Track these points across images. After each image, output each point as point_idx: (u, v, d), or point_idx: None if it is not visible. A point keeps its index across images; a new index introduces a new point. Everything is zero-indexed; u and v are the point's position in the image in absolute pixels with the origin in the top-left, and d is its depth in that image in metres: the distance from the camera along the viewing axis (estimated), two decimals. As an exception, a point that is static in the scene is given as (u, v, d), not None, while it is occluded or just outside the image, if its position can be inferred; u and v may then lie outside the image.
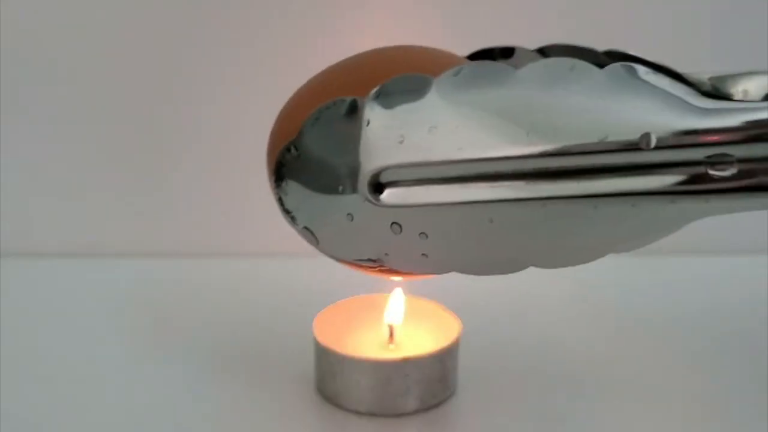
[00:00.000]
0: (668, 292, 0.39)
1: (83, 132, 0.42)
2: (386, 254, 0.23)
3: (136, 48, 0.40)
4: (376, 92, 0.22)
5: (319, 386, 0.30)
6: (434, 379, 0.29)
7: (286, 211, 0.24)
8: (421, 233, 0.23)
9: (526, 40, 0.27)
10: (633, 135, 0.21)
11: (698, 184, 0.21)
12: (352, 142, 0.22)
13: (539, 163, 0.21)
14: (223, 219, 0.43)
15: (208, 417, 0.29)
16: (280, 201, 0.24)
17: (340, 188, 0.23)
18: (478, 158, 0.22)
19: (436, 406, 0.29)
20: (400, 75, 0.22)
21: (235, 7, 0.40)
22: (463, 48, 0.26)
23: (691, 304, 0.38)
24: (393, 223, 0.23)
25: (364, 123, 0.22)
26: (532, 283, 0.38)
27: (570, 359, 0.33)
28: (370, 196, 0.23)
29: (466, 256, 0.23)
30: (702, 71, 0.22)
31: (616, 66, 0.21)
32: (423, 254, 0.23)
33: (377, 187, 0.23)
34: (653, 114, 0.21)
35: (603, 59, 0.24)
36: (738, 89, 0.21)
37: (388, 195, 0.23)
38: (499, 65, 0.21)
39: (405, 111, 0.22)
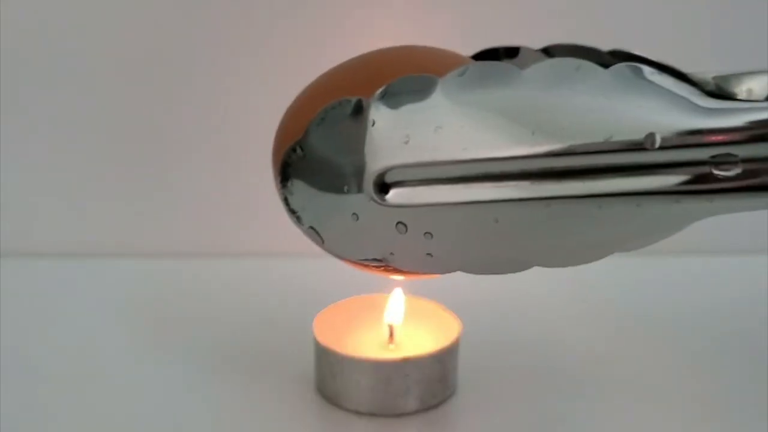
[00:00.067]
0: (668, 292, 0.39)
1: (83, 132, 0.42)
2: (391, 254, 0.23)
3: (137, 47, 0.40)
4: (381, 92, 0.22)
5: (319, 386, 0.30)
6: (434, 379, 0.29)
7: (292, 211, 0.24)
8: (426, 233, 0.23)
9: (531, 40, 0.27)
10: (638, 135, 0.21)
11: (703, 184, 0.21)
12: (357, 142, 0.22)
13: (544, 163, 0.21)
14: (223, 219, 0.43)
15: (208, 417, 0.29)
16: (286, 201, 0.24)
17: (346, 188, 0.23)
18: (484, 158, 0.22)
19: (436, 406, 0.29)
20: (406, 75, 0.22)
21: (238, 7, 0.40)
22: (468, 48, 0.26)
23: (691, 304, 0.38)
24: (398, 222, 0.23)
25: (370, 123, 0.22)
26: (533, 283, 0.38)
27: (570, 359, 0.33)
28: (375, 196, 0.23)
29: (471, 255, 0.23)
30: (706, 71, 0.22)
31: (621, 66, 0.21)
32: (428, 254, 0.23)
33: (382, 186, 0.23)
34: (658, 114, 0.21)
35: (607, 59, 0.24)
36: (742, 89, 0.21)
37: (393, 195, 0.23)
38: (504, 65, 0.21)
39: (410, 111, 0.22)
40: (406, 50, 0.25)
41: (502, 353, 0.33)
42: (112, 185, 0.43)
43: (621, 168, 0.21)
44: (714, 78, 0.21)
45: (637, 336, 0.35)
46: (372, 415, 0.29)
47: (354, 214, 0.23)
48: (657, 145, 0.21)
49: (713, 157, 0.21)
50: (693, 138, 0.21)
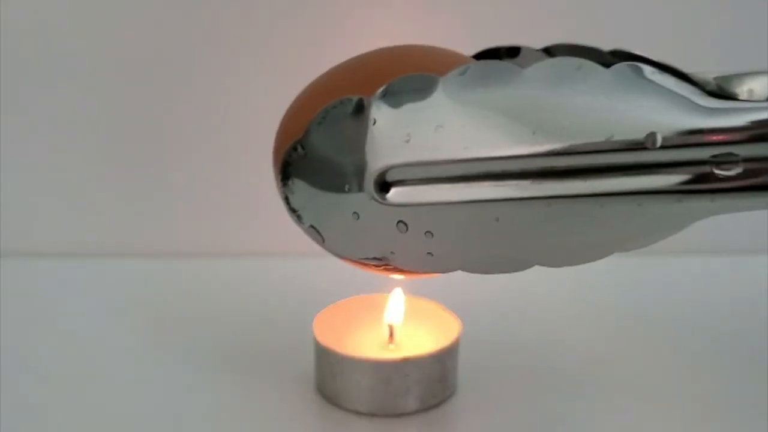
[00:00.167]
0: (668, 292, 0.39)
1: (83, 132, 0.42)
2: (392, 253, 0.23)
3: (137, 47, 0.40)
4: (382, 91, 0.22)
5: (319, 386, 0.30)
6: (434, 379, 0.29)
7: (293, 210, 0.24)
8: (426, 232, 0.23)
9: (531, 40, 0.27)
10: (639, 134, 0.21)
11: (704, 184, 0.21)
12: (358, 141, 0.22)
13: (545, 162, 0.21)
14: (223, 219, 0.43)
15: (208, 417, 0.29)
16: (287, 200, 0.24)
17: (347, 187, 0.23)
18: (485, 157, 0.22)
19: (436, 406, 0.29)
20: (407, 74, 0.22)
21: (238, 7, 0.40)
22: (468, 48, 0.26)
23: (691, 304, 0.38)
24: (399, 221, 0.23)
25: (371, 122, 0.22)
26: (533, 283, 0.38)
27: (570, 359, 0.33)
28: (376, 195, 0.23)
29: (471, 255, 0.23)
30: (707, 71, 0.22)
31: (622, 66, 0.21)
32: (429, 253, 0.23)
33: (383, 185, 0.23)
34: (659, 113, 0.21)
35: (608, 59, 0.24)
36: (743, 89, 0.21)
37: (394, 194, 0.23)
38: (506, 64, 0.21)
39: (411, 110, 0.22)
40: (406, 50, 0.25)
41: (502, 353, 0.33)
42: (112, 185, 0.43)
43: (622, 167, 0.21)
44: (715, 78, 0.21)
45: (637, 336, 0.35)
46: (372, 415, 0.29)
47: (355, 213, 0.23)
48: (658, 144, 0.21)
49: (714, 156, 0.21)
50: (694, 137, 0.21)
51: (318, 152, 0.23)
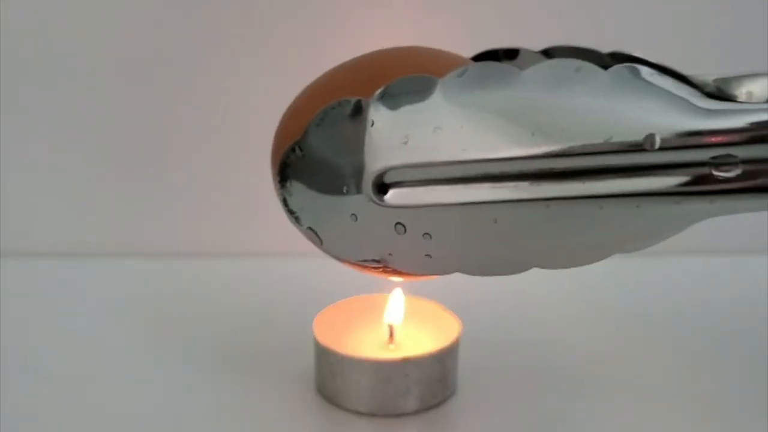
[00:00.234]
0: (668, 292, 0.39)
1: (83, 132, 0.42)
2: (390, 255, 0.23)
3: (137, 47, 0.40)
4: (380, 93, 0.22)
5: (319, 386, 0.30)
6: (434, 379, 0.29)
7: (290, 212, 0.24)
8: (425, 234, 0.23)
9: (531, 41, 0.27)
10: (637, 136, 0.21)
11: (703, 185, 0.21)
12: (356, 142, 0.22)
13: (544, 164, 0.21)
14: (223, 219, 0.43)
15: (208, 417, 0.29)
16: (285, 201, 0.24)
17: (345, 188, 0.23)
18: (483, 159, 0.22)
19: (436, 406, 0.29)
20: (405, 76, 0.22)
21: (238, 7, 0.40)
22: (468, 49, 0.26)
23: (691, 304, 0.38)
24: (397, 223, 0.23)
25: (369, 123, 0.22)
26: (532, 283, 0.38)
27: (570, 359, 0.33)
28: (374, 197, 0.23)
29: (470, 256, 0.23)
30: (706, 73, 0.22)
31: (620, 67, 0.21)
32: (427, 255, 0.23)
33: (381, 187, 0.23)
34: (657, 115, 0.21)
35: (607, 61, 0.24)
36: (742, 91, 0.21)
37: (392, 195, 0.23)
38: (504, 66, 0.21)
39: (410, 112, 0.22)
40: (405, 51, 0.25)
41: (502, 353, 0.33)
42: (112, 185, 0.43)
43: (621, 169, 0.21)
44: (714, 80, 0.21)
45: (637, 336, 0.35)
46: (372, 415, 0.29)
47: (353, 214, 0.23)
48: (657, 146, 0.21)
49: (713, 158, 0.21)
50: (693, 139, 0.21)
51: (316, 153, 0.23)
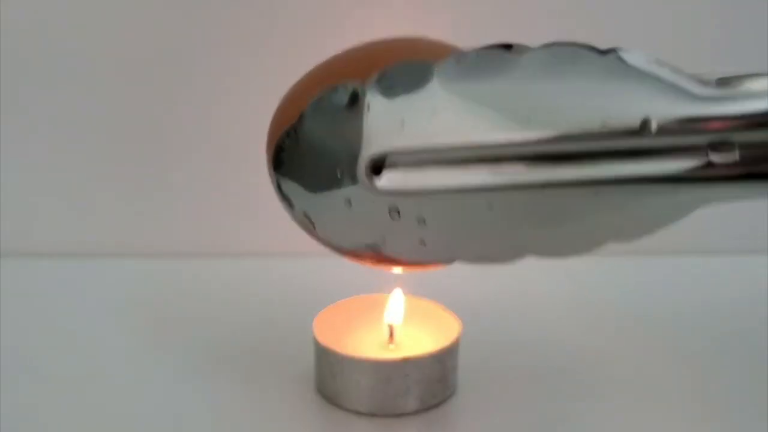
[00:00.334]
0: (668, 292, 0.39)
1: (83, 132, 0.42)
2: (384, 241, 0.23)
3: (137, 47, 0.40)
4: (377, 77, 0.22)
5: (319, 386, 0.30)
6: (434, 379, 0.29)
7: (284, 197, 0.24)
8: (419, 220, 0.23)
9: (531, 40, 0.26)
10: (634, 120, 0.21)
11: (700, 170, 0.21)
12: (352, 127, 0.22)
13: (540, 148, 0.21)
14: (224, 219, 0.43)
15: (208, 417, 0.29)
16: (279, 187, 0.24)
17: (339, 174, 0.23)
18: (479, 143, 0.22)
19: (436, 406, 0.29)
20: (402, 61, 0.22)
21: (238, 7, 0.40)
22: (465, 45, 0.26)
23: (691, 304, 0.38)
24: (391, 209, 0.23)
25: (365, 108, 0.22)
26: (533, 283, 0.38)
27: (570, 359, 0.33)
28: (368, 182, 0.22)
29: (464, 243, 0.23)
30: (707, 72, 0.22)
31: (619, 53, 0.21)
32: (421, 241, 0.23)
33: (376, 172, 0.23)
34: (655, 100, 0.21)
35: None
36: (742, 88, 0.21)
37: (387, 180, 0.23)
38: (501, 52, 0.21)
39: (406, 96, 0.22)
40: (403, 40, 0.25)
41: (502, 353, 0.33)
42: (112, 185, 0.43)
43: (617, 153, 0.21)
44: (716, 80, 0.21)
45: (637, 336, 0.35)
46: (372, 415, 0.29)
47: (347, 200, 0.23)
48: (654, 131, 0.21)
49: (711, 144, 0.21)
50: (690, 124, 0.21)
51: (311, 138, 0.23)
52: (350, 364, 0.28)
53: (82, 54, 0.40)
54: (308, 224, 0.24)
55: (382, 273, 0.33)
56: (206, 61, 0.41)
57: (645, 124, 0.21)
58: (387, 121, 0.22)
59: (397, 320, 0.30)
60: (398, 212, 0.23)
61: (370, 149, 0.22)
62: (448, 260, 0.23)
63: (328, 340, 0.29)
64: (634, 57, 0.21)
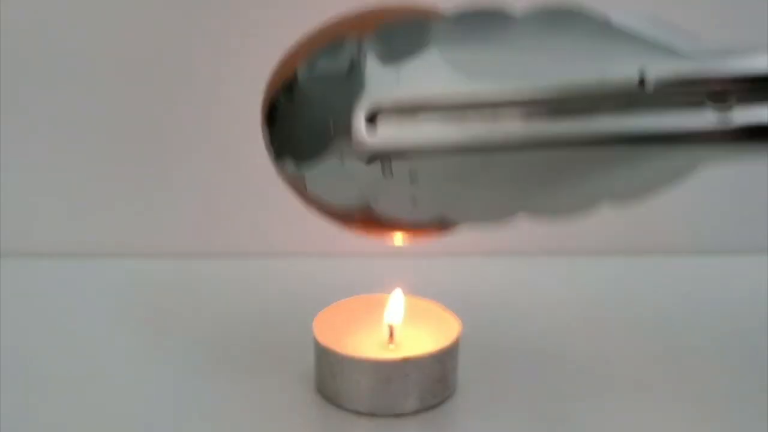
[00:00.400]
0: (668, 292, 0.39)
1: (83, 132, 0.42)
2: (375, 199, 0.23)
3: (137, 47, 0.40)
4: (373, 34, 0.22)
5: (319, 386, 0.30)
6: (434, 379, 0.29)
7: (277, 155, 0.24)
8: (411, 177, 0.22)
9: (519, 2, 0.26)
10: (631, 74, 0.21)
11: (696, 128, 0.21)
12: (347, 82, 0.22)
13: (537, 104, 0.21)
14: (224, 219, 0.43)
15: (208, 417, 0.29)
16: (271, 144, 0.23)
17: (332, 130, 0.23)
18: (475, 100, 0.22)
19: (436, 406, 0.29)
20: (398, 19, 0.22)
21: (237, 7, 0.40)
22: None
23: (691, 304, 0.38)
24: (384, 165, 0.23)
25: (361, 63, 0.22)
26: (533, 283, 0.38)
27: (570, 359, 0.33)
28: (362, 137, 0.22)
29: (456, 203, 0.23)
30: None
31: (619, 13, 0.21)
32: (412, 199, 0.23)
33: (370, 128, 0.22)
34: (653, 56, 0.21)
35: None
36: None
37: (380, 137, 0.22)
38: (498, 9, 0.21)
39: (402, 52, 0.22)
40: (399, 3, 0.25)
41: (502, 353, 0.33)
42: (112, 185, 0.43)
43: (613, 108, 0.21)
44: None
45: (637, 336, 0.35)
46: (372, 415, 0.29)
47: (339, 156, 0.23)
48: (651, 84, 0.21)
49: (708, 100, 0.20)
50: (687, 80, 0.21)
51: (306, 95, 0.23)
52: (350, 364, 0.28)
53: (82, 54, 0.40)
54: (299, 183, 0.24)
55: (382, 273, 0.33)
56: (206, 61, 0.41)
57: (643, 78, 0.21)
58: (382, 76, 0.22)
59: (397, 320, 0.30)
60: (390, 169, 0.23)
61: (364, 104, 0.22)
62: (440, 220, 0.23)
63: (328, 340, 0.29)
64: (634, 18, 0.21)
